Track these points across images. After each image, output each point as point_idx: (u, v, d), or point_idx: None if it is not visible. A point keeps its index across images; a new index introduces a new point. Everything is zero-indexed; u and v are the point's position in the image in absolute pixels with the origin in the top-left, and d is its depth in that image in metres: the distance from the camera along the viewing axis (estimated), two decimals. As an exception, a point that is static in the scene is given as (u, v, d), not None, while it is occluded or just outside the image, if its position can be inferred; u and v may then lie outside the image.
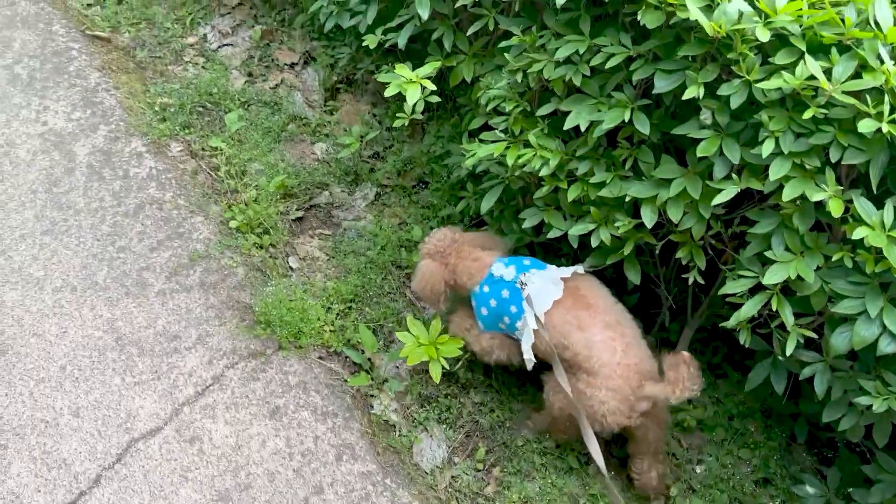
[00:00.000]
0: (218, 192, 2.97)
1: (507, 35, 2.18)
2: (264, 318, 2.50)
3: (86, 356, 2.41)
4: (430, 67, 2.11)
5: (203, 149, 3.11)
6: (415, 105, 2.08)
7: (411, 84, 2.08)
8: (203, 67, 3.49)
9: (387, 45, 2.39)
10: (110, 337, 2.47)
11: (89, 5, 3.70)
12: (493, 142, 2.10)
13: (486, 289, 2.16)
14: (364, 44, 2.51)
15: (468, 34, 2.14)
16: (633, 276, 2.06)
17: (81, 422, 2.23)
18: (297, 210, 2.96)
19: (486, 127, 2.23)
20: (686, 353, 1.82)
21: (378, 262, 2.78)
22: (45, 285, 2.59)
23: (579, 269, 2.09)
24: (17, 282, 2.59)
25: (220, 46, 3.63)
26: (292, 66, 3.58)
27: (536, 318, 2.00)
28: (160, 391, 2.32)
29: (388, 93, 2.23)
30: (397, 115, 2.24)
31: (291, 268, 2.79)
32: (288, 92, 3.43)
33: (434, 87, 2.08)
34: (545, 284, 2.03)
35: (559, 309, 2.00)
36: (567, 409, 2.01)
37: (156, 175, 2.95)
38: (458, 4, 2.08)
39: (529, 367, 2.12)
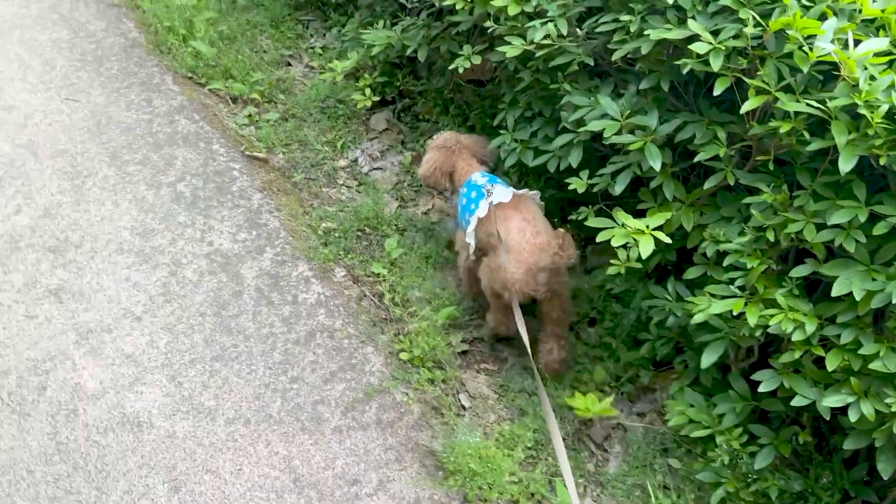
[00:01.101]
0: (384, 320, 2.91)
1: (730, 187, 2.13)
2: (449, 467, 2.36)
3: (263, 498, 2.29)
4: (660, 218, 2.05)
5: (366, 274, 3.07)
6: (643, 255, 2.01)
7: (642, 235, 2.01)
8: (357, 191, 3.53)
9: (595, 190, 2.35)
10: (288, 477, 2.35)
11: (244, 125, 3.82)
12: (724, 297, 2.00)
13: (464, 190, 2.80)
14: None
15: (706, 188, 2.09)
16: (885, 466, 1.86)
17: (269, 577, 2.08)
18: (462, 342, 2.87)
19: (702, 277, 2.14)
20: (561, 230, 2.38)
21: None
22: (217, 416, 2.51)
23: (528, 192, 2.69)
24: (189, 411, 2.52)
25: (370, 170, 3.67)
26: (441, 192, 3.60)
27: (489, 206, 2.61)
28: (348, 545, 2.17)
29: (601, 238, 2.17)
30: (611, 262, 2.17)
31: (464, 406, 2.67)
32: (440, 217, 3.42)
33: (670, 240, 2.01)
34: (501, 193, 2.62)
35: (499, 210, 2.58)
36: (492, 284, 2.57)
37: (324, 301, 2.90)
38: (696, 159, 2.03)
39: (472, 251, 2.71)
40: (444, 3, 2.78)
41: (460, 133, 3.00)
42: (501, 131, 2.85)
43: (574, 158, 2.40)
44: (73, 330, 2.75)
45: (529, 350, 2.39)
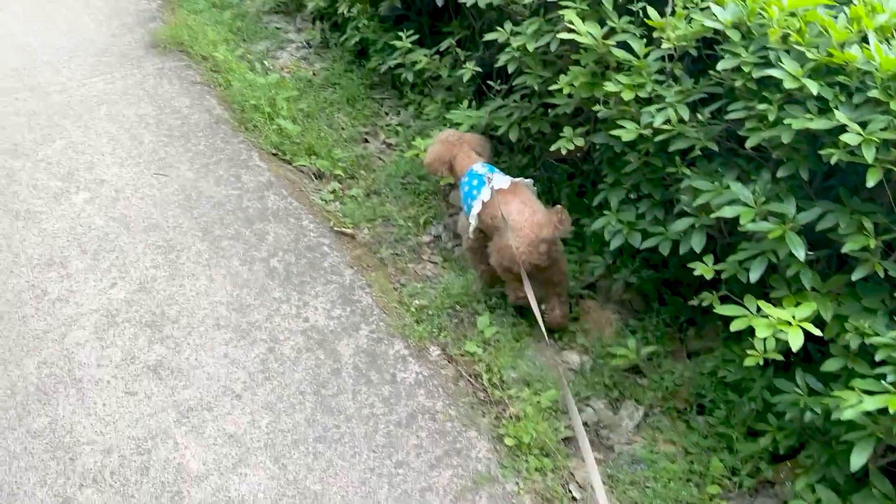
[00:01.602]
0: (484, 402, 2.84)
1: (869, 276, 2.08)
2: (571, 563, 2.25)
3: (377, 593, 2.19)
4: (807, 308, 1.99)
5: (461, 353, 3.03)
6: (793, 349, 1.95)
7: (790, 327, 1.96)
8: (442, 267, 3.52)
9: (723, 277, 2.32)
10: (401, 571, 2.25)
11: (330, 201, 3.87)
12: (875, 392, 1.92)
13: (466, 178, 3.12)
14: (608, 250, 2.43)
15: (853, 279, 2.04)
16: None
17: None
18: (566, 428, 2.78)
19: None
20: (559, 206, 2.78)
21: (665, 497, 2.52)
22: (324, 502, 2.43)
23: (524, 180, 3.07)
24: (295, 495, 2.45)
25: (454, 246, 3.67)
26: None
27: (491, 191, 2.96)
28: None
29: (735, 327, 2.12)
30: (748, 352, 2.10)
31: (575, 498, 2.56)
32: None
33: (821, 333, 1.95)
34: (500, 181, 2.97)
35: (499, 195, 2.93)
36: (501, 261, 2.94)
37: (422, 381, 2.85)
38: (844, 250, 1.99)
39: (472, 231, 3.08)
40: (551, 87, 2.82)
41: (461, 133, 3.39)
42: (605, 212, 2.84)
43: (697, 243, 2.37)
44: (173, 408, 2.72)
45: (538, 310, 2.71)
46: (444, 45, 3.85)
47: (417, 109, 4.41)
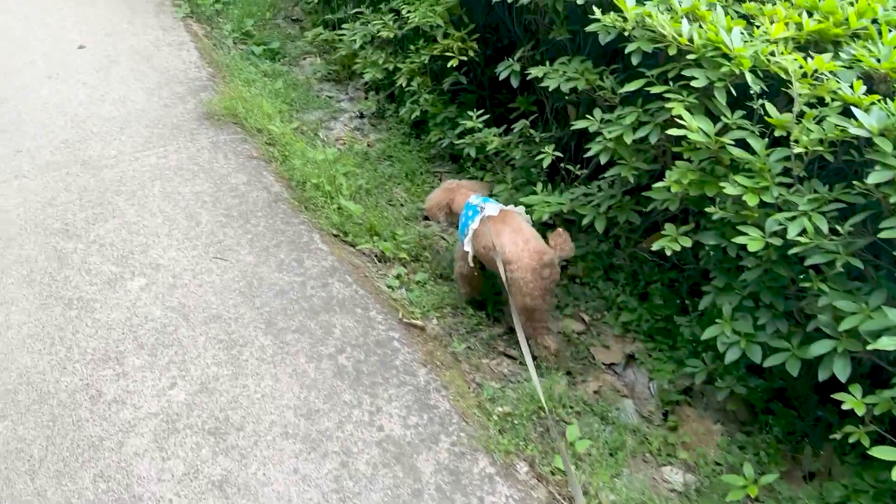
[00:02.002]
0: (583, 532, 2.56)
1: None
2: None
3: None
4: None
5: (551, 471, 2.76)
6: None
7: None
8: (519, 363, 3.27)
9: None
10: None
11: (395, 287, 3.66)
12: None
13: (463, 211, 3.22)
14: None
15: None
16: None
17: None
18: (677, 563, 2.49)
19: None
20: (560, 229, 2.86)
21: None
22: None
23: (515, 208, 3.15)
24: None
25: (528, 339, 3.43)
26: (610, 365, 3.32)
27: (481, 220, 3.07)
28: None
29: (899, 475, 1.85)
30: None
31: None
32: (613, 397, 3.12)
33: None
34: (491, 209, 3.06)
35: (491, 225, 3.01)
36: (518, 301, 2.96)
37: (515, 507, 2.58)
38: None
39: (469, 259, 3.16)
40: (656, 185, 2.61)
41: (460, 181, 3.56)
42: (717, 321, 2.59)
43: (841, 371, 2.11)
44: (242, 534, 2.47)
45: (525, 347, 2.79)
46: (517, 127, 3.67)
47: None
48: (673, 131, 2.48)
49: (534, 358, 2.99)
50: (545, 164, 3.32)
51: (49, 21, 6.34)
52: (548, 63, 3.29)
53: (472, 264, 3.19)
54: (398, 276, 3.72)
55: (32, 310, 3.38)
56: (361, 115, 5.24)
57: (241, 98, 4.87)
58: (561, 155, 3.36)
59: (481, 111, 3.88)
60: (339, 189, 4.17)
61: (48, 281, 3.54)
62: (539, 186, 3.54)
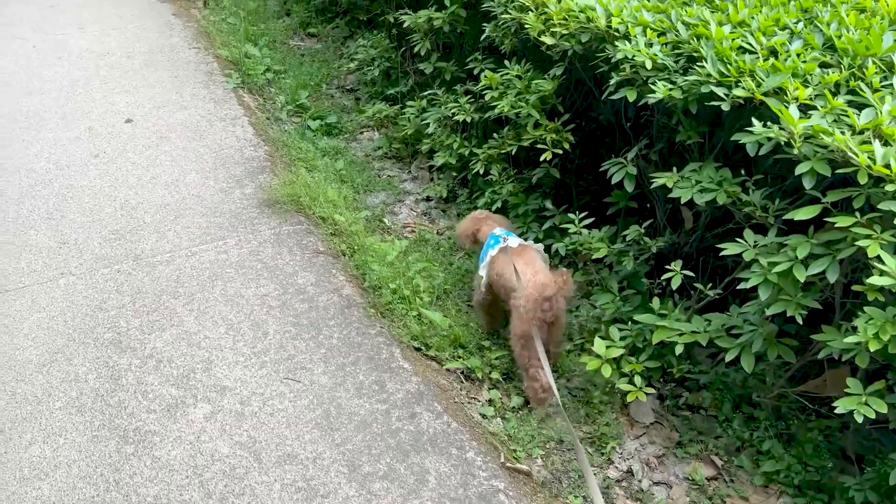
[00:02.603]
0: None
1: None
2: None
3: None
4: None
5: None
6: None
7: None
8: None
9: None
10: None
11: (490, 417, 3.21)
12: None
13: (487, 241, 3.35)
14: None
15: None
16: None
17: None
18: None
19: None
20: (564, 269, 3.08)
21: None
22: None
23: (533, 244, 3.34)
24: None
25: (651, 484, 2.96)
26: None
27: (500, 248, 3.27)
28: None
29: None
30: None
31: None
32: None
33: None
34: (513, 241, 3.25)
35: (506, 254, 3.21)
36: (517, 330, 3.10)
37: None
38: None
39: (483, 286, 3.31)
40: (848, 340, 2.16)
41: (488, 213, 3.70)
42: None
43: None
44: None
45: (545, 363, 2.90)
46: (630, 234, 3.25)
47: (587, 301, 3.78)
48: (875, 280, 2.04)
49: (526, 402, 3.22)
50: (675, 284, 2.88)
51: (93, 91, 6.08)
52: (674, 169, 2.88)
53: (482, 290, 3.30)
54: (491, 402, 3.27)
55: (84, 443, 2.97)
56: (428, 199, 4.86)
57: (304, 184, 4.52)
58: (692, 274, 2.93)
59: (584, 214, 3.47)
60: (417, 291, 3.76)
61: (101, 406, 3.13)
62: (656, 302, 3.11)
